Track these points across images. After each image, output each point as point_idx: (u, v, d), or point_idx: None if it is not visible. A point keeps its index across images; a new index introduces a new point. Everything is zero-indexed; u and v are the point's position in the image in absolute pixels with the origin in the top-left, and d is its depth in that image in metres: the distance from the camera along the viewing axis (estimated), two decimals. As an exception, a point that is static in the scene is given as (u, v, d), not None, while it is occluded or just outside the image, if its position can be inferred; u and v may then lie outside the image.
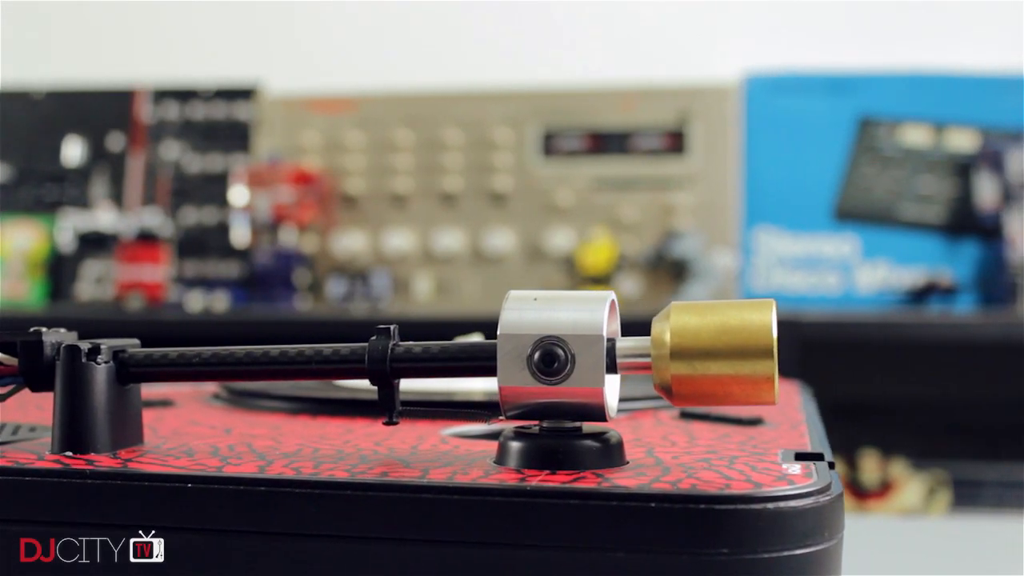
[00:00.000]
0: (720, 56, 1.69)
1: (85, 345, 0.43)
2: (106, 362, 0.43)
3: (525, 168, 1.62)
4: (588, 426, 0.41)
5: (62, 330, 0.45)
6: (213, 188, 1.67)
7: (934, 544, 1.00)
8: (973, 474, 1.46)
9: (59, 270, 1.65)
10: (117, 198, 1.68)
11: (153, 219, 1.60)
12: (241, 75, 1.71)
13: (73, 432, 0.42)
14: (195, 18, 1.88)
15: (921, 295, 1.50)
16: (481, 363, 0.41)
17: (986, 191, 1.51)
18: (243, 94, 1.69)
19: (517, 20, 1.81)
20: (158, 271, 1.58)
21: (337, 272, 1.61)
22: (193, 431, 0.49)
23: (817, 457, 0.43)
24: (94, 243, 1.63)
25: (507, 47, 1.81)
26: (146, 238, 1.58)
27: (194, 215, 1.67)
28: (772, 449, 0.44)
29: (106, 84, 1.74)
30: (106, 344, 0.43)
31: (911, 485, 1.45)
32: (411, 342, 0.42)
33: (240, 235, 1.62)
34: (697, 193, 1.58)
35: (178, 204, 1.67)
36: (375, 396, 0.56)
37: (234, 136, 1.68)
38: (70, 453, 0.42)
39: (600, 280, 1.54)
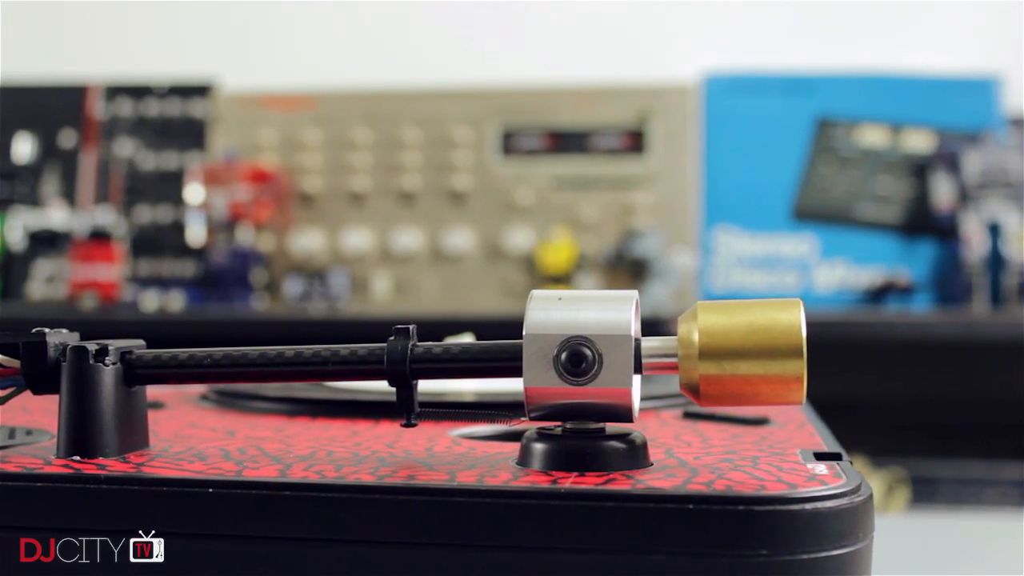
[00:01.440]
0: (679, 56, 1.69)
1: (92, 346, 0.42)
2: (113, 363, 0.42)
3: (484, 167, 1.61)
4: (610, 427, 0.41)
5: (64, 330, 0.44)
6: (168, 186, 1.64)
7: (893, 541, 1.00)
8: (931, 471, 1.47)
9: (10, 269, 1.62)
10: (69, 196, 1.65)
11: (106, 217, 1.57)
12: (196, 72, 1.69)
13: (80, 436, 0.41)
14: (149, 14, 1.85)
15: (879, 295, 1.51)
16: (504, 364, 0.41)
17: (942, 192, 1.52)
18: (198, 91, 1.67)
19: (476, 18, 1.81)
20: (112, 270, 1.55)
21: (294, 271, 1.60)
22: (194, 434, 0.48)
23: (836, 457, 0.43)
24: (46, 242, 1.60)
25: (466, 45, 1.80)
26: (99, 236, 1.55)
27: (148, 213, 1.64)
28: (789, 449, 0.44)
29: (57, 80, 1.71)
30: (114, 345, 0.42)
31: (870, 483, 1.46)
32: (430, 342, 0.41)
33: (196, 234, 1.60)
34: (656, 192, 1.58)
35: (132, 202, 1.65)
36: (374, 397, 0.55)
37: (189, 133, 1.66)
38: (78, 457, 0.41)
39: (560, 279, 1.54)
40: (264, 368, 0.42)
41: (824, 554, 0.35)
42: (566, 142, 1.60)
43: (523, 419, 0.41)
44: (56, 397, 0.43)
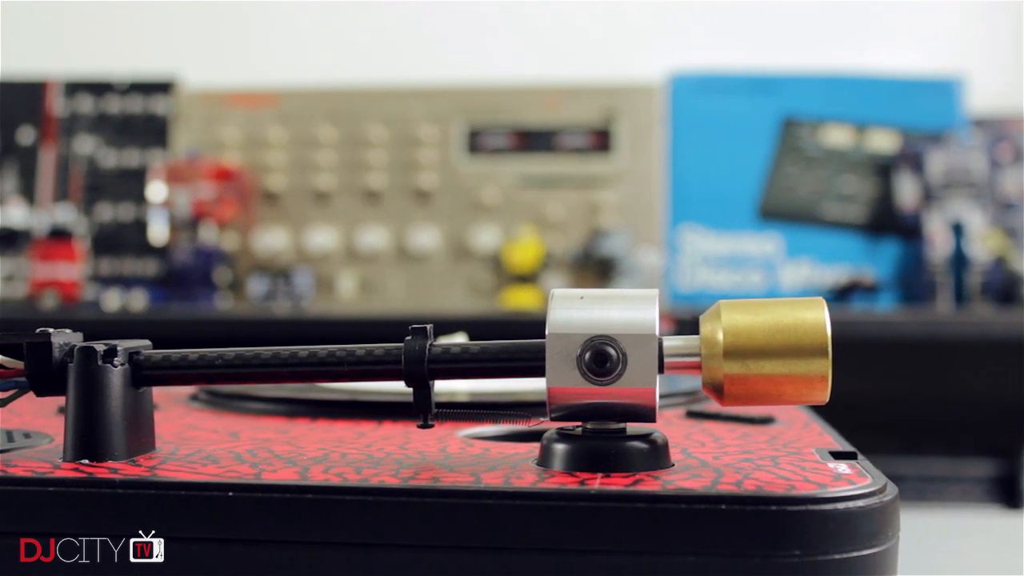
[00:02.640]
0: (645, 55, 1.69)
1: (100, 346, 0.41)
2: (122, 364, 0.41)
3: (450, 165, 1.60)
4: (630, 427, 0.40)
5: (67, 331, 0.43)
6: (129, 184, 1.62)
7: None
8: (895, 469, 1.48)
9: (-33, 268, 1.59)
10: (28, 194, 1.63)
11: (66, 215, 1.55)
12: (158, 68, 1.67)
13: (89, 439, 0.40)
14: (110, 8, 1.83)
15: (844, 293, 1.52)
16: (523, 363, 0.40)
17: (906, 191, 1.53)
18: (160, 87, 1.65)
19: (441, 16, 1.80)
20: (73, 269, 1.53)
21: (258, 270, 1.58)
22: (197, 436, 0.47)
23: (851, 456, 0.43)
24: (4, 240, 1.57)
25: (432, 43, 1.79)
26: (59, 235, 1.52)
27: (110, 211, 1.62)
28: (803, 448, 0.44)
29: (16, 76, 1.68)
30: (122, 345, 0.41)
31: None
32: (447, 342, 0.41)
33: (158, 232, 1.58)
34: (623, 192, 1.58)
35: (92, 200, 1.62)
36: (375, 398, 0.55)
37: (151, 131, 1.64)
38: (86, 461, 0.40)
39: (527, 279, 1.54)
40: (277, 369, 0.41)
41: (856, 554, 0.35)
42: (532, 141, 1.60)
43: (542, 419, 0.41)
44: (46, 398, 0.42)
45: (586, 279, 1.55)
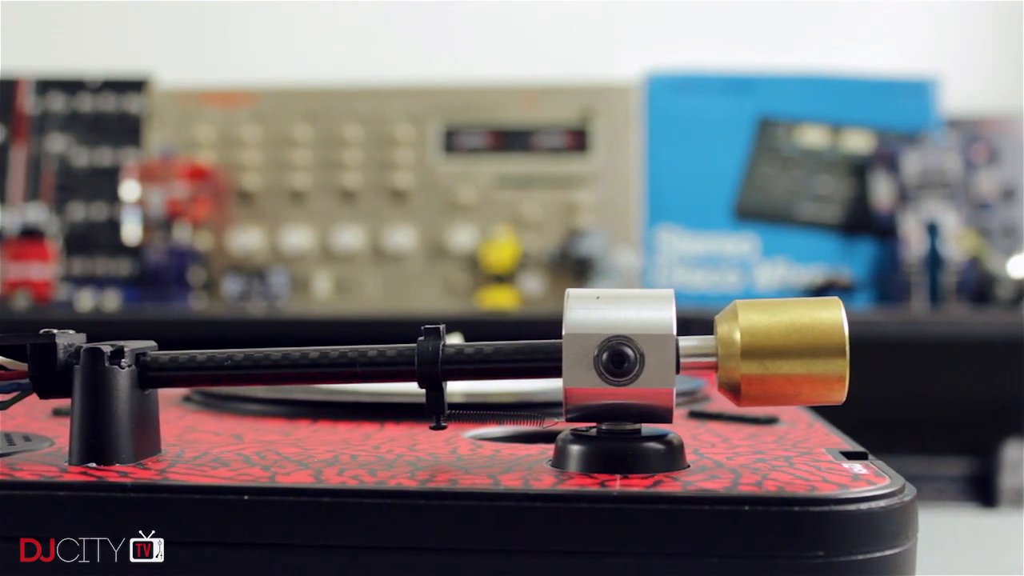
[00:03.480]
0: (622, 55, 1.70)
1: (107, 347, 0.40)
2: (129, 366, 0.40)
3: (427, 165, 1.60)
4: (645, 428, 0.40)
5: (71, 331, 0.42)
6: (102, 183, 1.60)
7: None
8: (871, 468, 1.49)
9: (-63, 268, 1.57)
10: (-1, 193, 1.61)
11: (38, 215, 1.53)
12: (131, 66, 1.65)
13: (96, 442, 0.40)
14: (82, 6, 1.81)
15: (819, 293, 1.52)
16: (539, 364, 0.40)
17: (882, 191, 1.54)
18: (133, 85, 1.63)
19: (418, 16, 1.79)
20: (45, 269, 1.51)
21: (233, 270, 1.57)
22: (199, 438, 0.47)
23: (862, 456, 0.43)
24: (-24, 240, 1.56)
25: (408, 42, 1.79)
26: (31, 234, 1.51)
27: (82, 211, 1.60)
28: (814, 448, 0.44)
29: (-15, 73, 1.67)
30: (129, 346, 0.41)
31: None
32: (461, 343, 0.40)
33: (131, 232, 1.56)
34: (600, 191, 1.58)
35: (65, 199, 1.61)
36: (377, 399, 0.54)
37: (124, 129, 1.62)
38: (94, 464, 0.39)
39: (504, 279, 1.53)
40: (286, 370, 0.41)
41: (879, 554, 0.35)
42: (509, 141, 1.59)
43: (556, 420, 0.41)
44: (38, 400, 0.41)
45: (563, 279, 1.54)
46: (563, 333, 0.38)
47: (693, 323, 1.37)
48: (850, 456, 0.42)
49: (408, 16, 1.79)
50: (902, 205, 1.52)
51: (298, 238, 1.58)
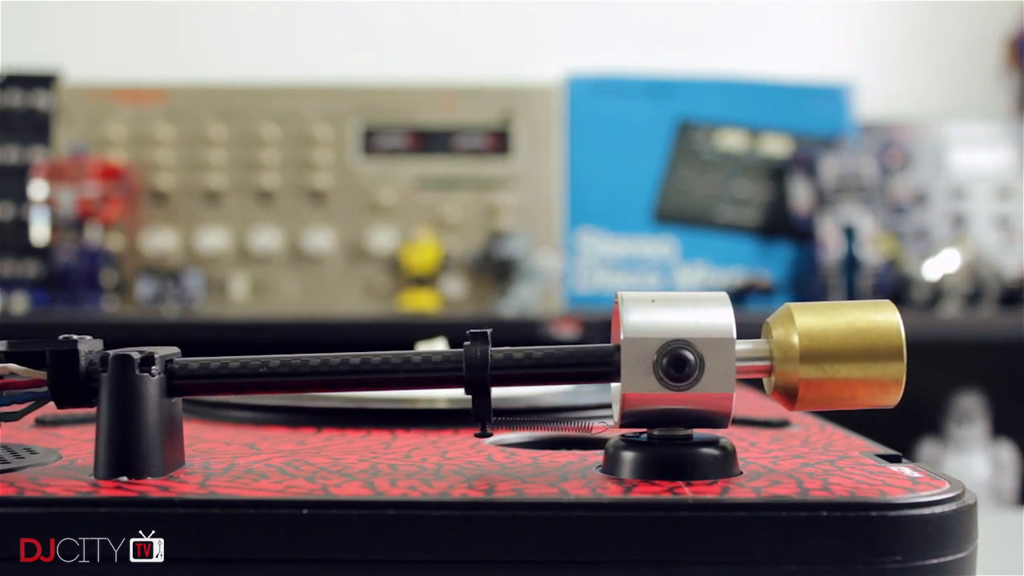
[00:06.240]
0: (542, 57, 1.69)
1: (135, 354, 0.38)
2: (160, 373, 0.38)
3: (345, 165, 1.57)
4: (696, 433, 0.39)
5: (88, 337, 0.40)
6: (9, 182, 1.54)
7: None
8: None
9: None
10: (-102, 191, 1.54)
11: (-60, 214, 1.47)
12: (38, 61, 1.60)
13: (126, 454, 0.37)
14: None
15: (740, 295, 1.54)
16: (591, 369, 0.39)
17: (800, 195, 1.56)
18: (40, 81, 1.58)
19: (336, 14, 1.77)
20: (-51, 271, 1.45)
21: (147, 272, 1.53)
22: (212, 448, 0.45)
23: (897, 459, 0.43)
24: None
25: (326, 41, 1.76)
26: (-67, 235, 1.45)
27: (-13, 210, 1.55)
28: (848, 452, 0.44)
29: None
30: (159, 353, 0.39)
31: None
32: (508, 347, 0.39)
33: (40, 232, 1.51)
34: (521, 193, 1.57)
35: (-32, 198, 1.55)
36: (386, 405, 0.52)
37: (31, 126, 1.56)
38: (125, 478, 0.37)
39: (425, 281, 1.52)
40: (327, 377, 0.39)
41: (950, 557, 0.35)
42: (429, 142, 1.58)
43: (607, 425, 0.40)
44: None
45: (484, 282, 1.53)
46: (621, 337, 0.37)
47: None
48: (887, 459, 0.42)
49: (326, 14, 1.77)
50: (820, 209, 1.54)
51: (214, 239, 1.55)
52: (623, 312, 0.38)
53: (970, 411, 1.51)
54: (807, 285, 1.55)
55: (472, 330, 0.39)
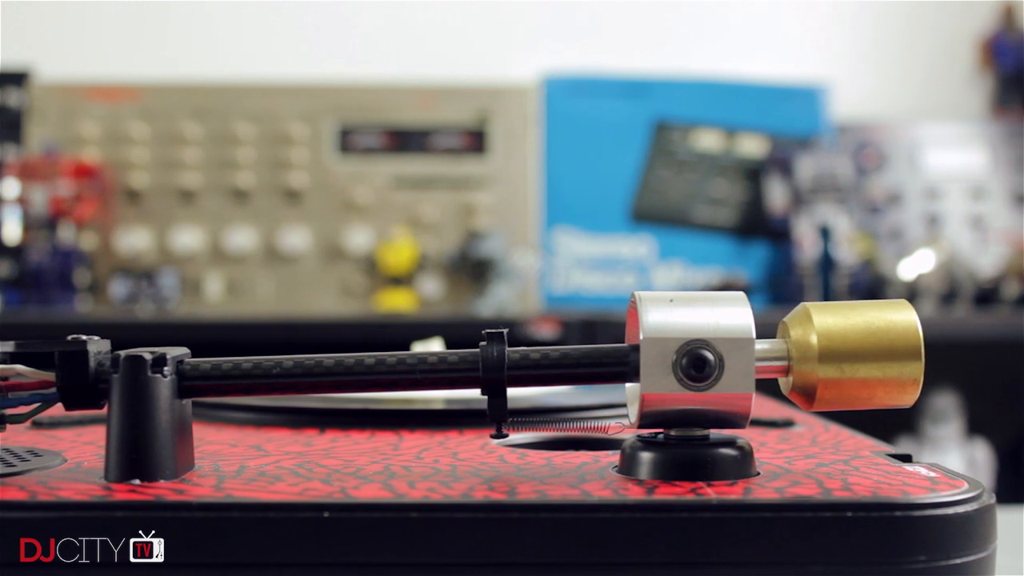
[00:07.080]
0: (519, 57, 1.69)
1: (147, 355, 0.37)
2: (172, 374, 0.38)
3: (321, 164, 1.57)
4: (713, 433, 0.39)
5: (96, 337, 0.39)
6: (-20, 180, 1.53)
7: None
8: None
9: None
10: None
11: (-90, 213, 1.45)
12: (10, 58, 1.58)
13: (138, 456, 0.37)
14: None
15: (716, 295, 1.54)
16: (608, 369, 0.38)
17: (775, 195, 1.57)
18: (12, 78, 1.56)
19: (313, 12, 1.76)
20: (-81, 270, 1.44)
21: (121, 272, 1.51)
22: (218, 450, 0.44)
23: (907, 458, 0.43)
24: None
25: (302, 39, 1.75)
26: (-97, 234, 1.43)
27: (-43, 209, 1.53)
28: (860, 451, 0.44)
29: None
30: (171, 354, 0.38)
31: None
32: (525, 347, 0.39)
33: (12, 231, 1.49)
34: (497, 193, 1.57)
35: (-62, 197, 1.53)
36: (387, 406, 0.52)
37: (3, 124, 1.55)
38: (137, 481, 0.37)
39: (401, 280, 1.51)
40: (342, 377, 0.39)
41: (972, 557, 0.35)
42: (405, 141, 1.57)
43: (624, 425, 0.39)
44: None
45: (461, 281, 1.53)
46: (640, 337, 0.37)
47: (599, 325, 1.37)
48: (898, 458, 0.42)
49: (303, 12, 1.76)
50: (795, 209, 1.55)
51: (188, 238, 1.54)
52: (642, 312, 0.38)
53: (945, 410, 1.52)
54: (783, 285, 1.56)
55: (488, 330, 0.38)
